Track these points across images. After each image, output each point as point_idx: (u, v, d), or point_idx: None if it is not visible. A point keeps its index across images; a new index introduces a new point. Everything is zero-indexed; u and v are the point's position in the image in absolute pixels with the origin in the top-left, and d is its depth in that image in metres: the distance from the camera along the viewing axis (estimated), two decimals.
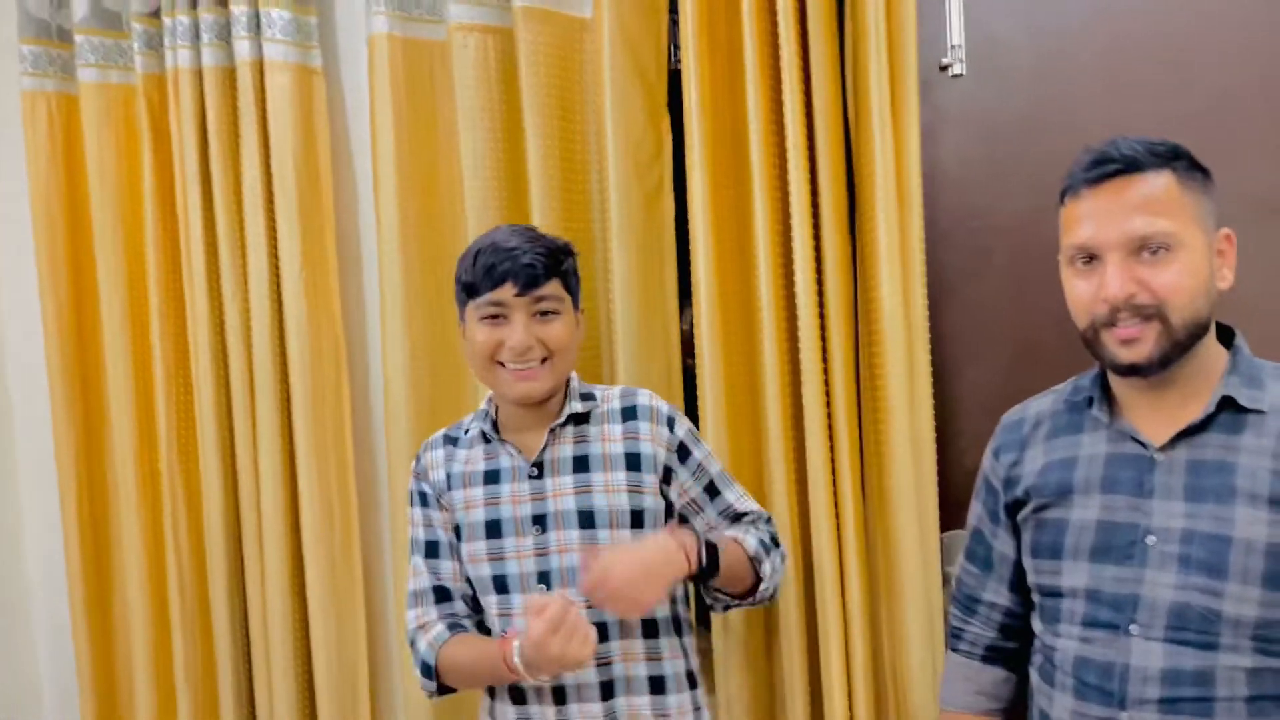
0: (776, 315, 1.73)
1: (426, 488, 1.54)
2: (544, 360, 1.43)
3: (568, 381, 1.53)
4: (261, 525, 2.04)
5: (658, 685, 1.47)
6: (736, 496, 1.57)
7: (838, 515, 1.72)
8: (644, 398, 1.54)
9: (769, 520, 1.60)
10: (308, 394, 2.00)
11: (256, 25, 1.99)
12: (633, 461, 1.49)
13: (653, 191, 1.85)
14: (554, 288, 1.44)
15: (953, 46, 1.77)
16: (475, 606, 1.53)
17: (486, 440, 1.52)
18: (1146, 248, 1.15)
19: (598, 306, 1.90)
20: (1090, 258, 1.19)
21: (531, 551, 1.46)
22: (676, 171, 1.84)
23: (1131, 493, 1.21)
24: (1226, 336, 1.24)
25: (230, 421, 2.09)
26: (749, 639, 1.83)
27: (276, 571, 2.03)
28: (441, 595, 1.52)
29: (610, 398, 1.54)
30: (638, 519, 1.48)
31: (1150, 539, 1.19)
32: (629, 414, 1.52)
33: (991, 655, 1.41)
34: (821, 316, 1.72)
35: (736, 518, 1.56)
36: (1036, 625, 1.31)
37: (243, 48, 2.00)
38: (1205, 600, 1.14)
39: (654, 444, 1.50)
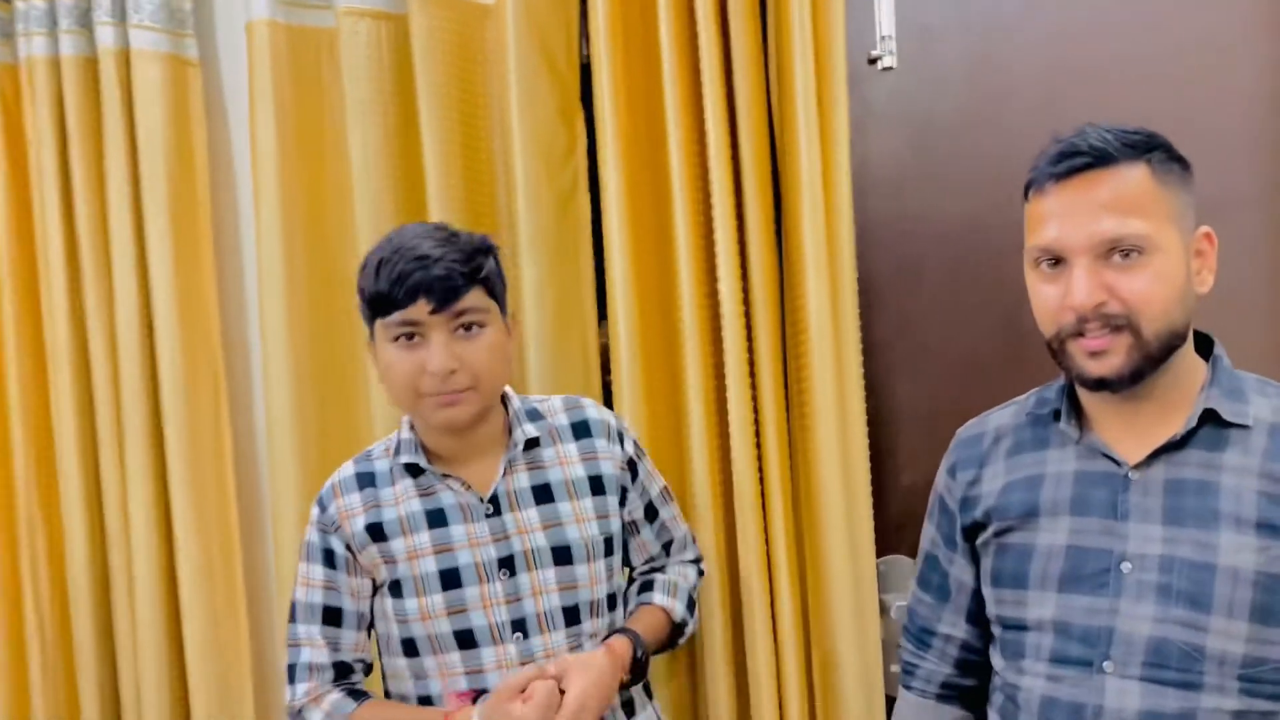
0: (699, 327, 1.61)
1: (335, 543, 1.30)
2: (468, 389, 1.23)
3: (505, 399, 1.36)
4: (132, 578, 1.82)
5: None
6: (671, 516, 1.47)
7: (767, 540, 1.61)
8: (592, 410, 1.40)
9: (693, 542, 1.51)
10: (183, 430, 1.79)
11: (122, 10, 1.80)
12: (596, 485, 1.35)
13: (566, 193, 1.70)
14: (476, 297, 1.23)
15: (883, 38, 1.66)
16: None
17: (415, 474, 1.31)
18: (1117, 250, 1.04)
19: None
20: (1056, 260, 1.08)
21: (502, 599, 1.28)
22: (594, 172, 1.69)
23: (1104, 515, 1.10)
24: (1204, 345, 1.14)
25: (96, 464, 1.86)
26: (673, 670, 1.71)
27: (150, 629, 1.81)
28: (341, 671, 1.32)
29: (554, 411, 1.38)
30: (609, 547, 1.35)
31: (1125, 566, 1.08)
32: (581, 430, 1.37)
33: (947, 693, 1.29)
34: (748, 328, 1.60)
35: (666, 545, 1.46)
36: (997, 661, 1.19)
37: (106, 35, 1.80)
38: (1187, 635, 1.04)
39: (612, 463, 1.37)
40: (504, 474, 1.31)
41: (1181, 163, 1.07)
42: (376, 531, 1.29)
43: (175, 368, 1.78)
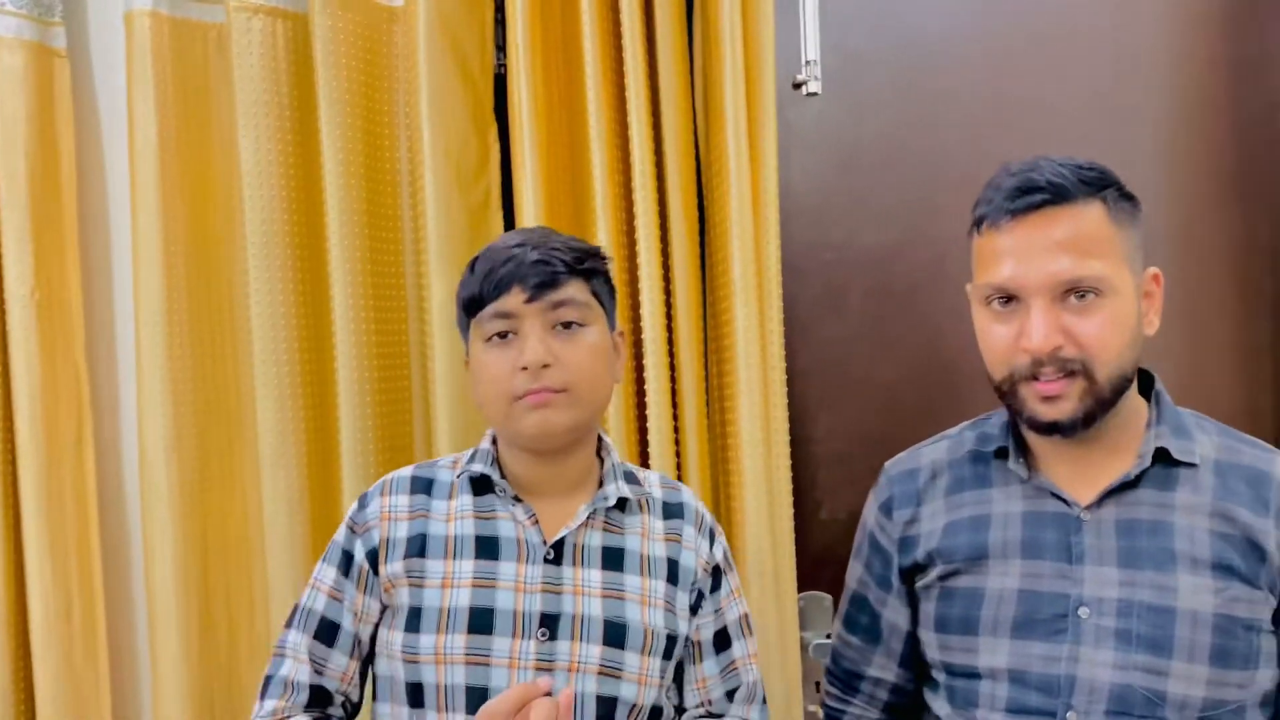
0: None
1: (359, 548, 1.14)
2: (562, 390, 1.08)
3: (603, 450, 1.20)
4: None
5: None
6: (744, 655, 1.21)
7: None
8: (688, 496, 1.22)
9: (764, 703, 1.23)
10: (40, 469, 1.57)
11: None
12: (673, 571, 1.15)
13: (478, 207, 1.60)
14: (577, 289, 1.10)
15: (808, 62, 1.62)
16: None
17: (480, 490, 1.15)
18: (1074, 292, 1.01)
19: (409, 342, 1.63)
20: (1009, 299, 1.04)
21: (532, 662, 1.07)
22: (508, 188, 1.60)
23: (1057, 558, 1.07)
24: (1144, 382, 1.13)
25: None
26: None
27: None
28: (319, 697, 1.13)
29: (650, 483, 1.21)
30: (669, 648, 1.13)
31: (1083, 611, 1.04)
32: (673, 511, 1.19)
33: None
34: (671, 355, 1.53)
35: (730, 694, 1.19)
36: (941, 708, 1.14)
37: None
38: (1149, 681, 1.01)
39: (695, 557, 1.17)
40: (581, 523, 1.13)
41: (1132, 201, 1.06)
42: (416, 544, 1.12)
43: (32, 388, 1.58)
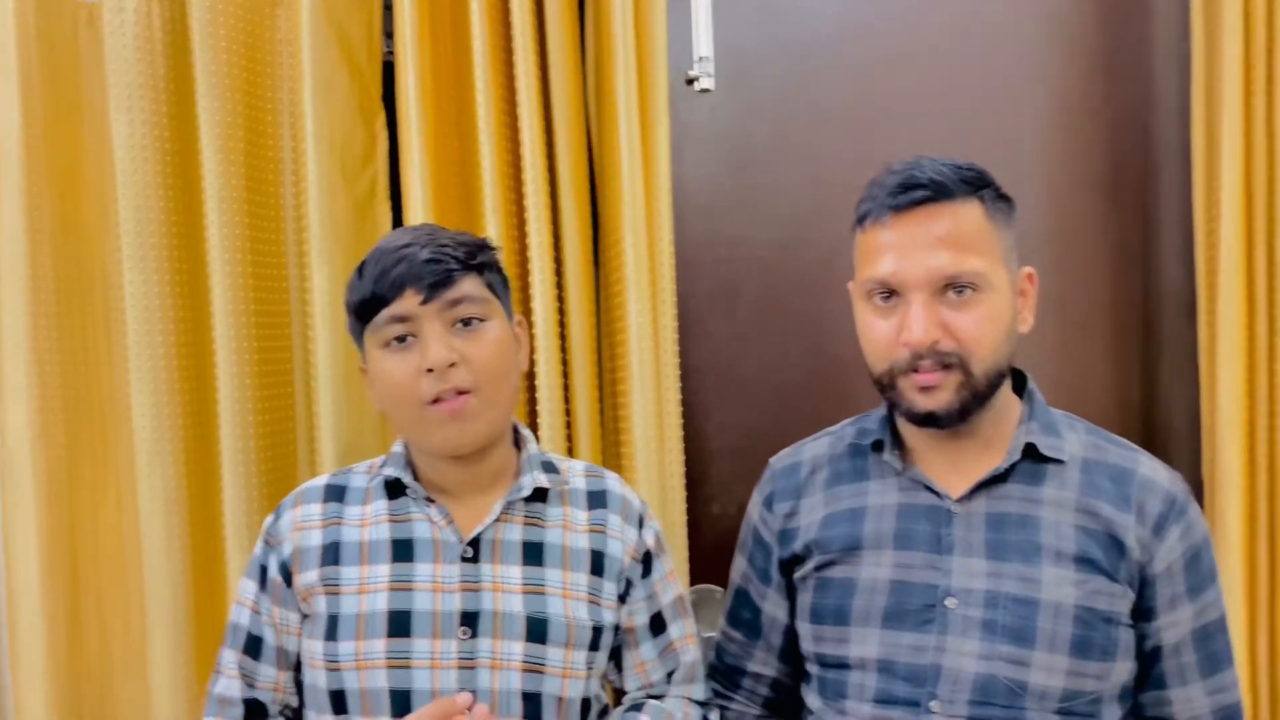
0: None
1: (272, 561, 1.13)
2: (470, 392, 1.06)
3: (518, 439, 1.19)
4: None
5: None
6: (682, 635, 1.22)
7: None
8: (614, 483, 1.21)
9: (705, 679, 1.25)
10: None
11: None
12: (597, 563, 1.14)
13: (363, 199, 1.56)
14: (472, 286, 1.09)
15: (700, 58, 1.63)
16: None
17: (394, 494, 1.13)
18: (953, 287, 1.03)
19: (292, 346, 1.58)
20: (890, 294, 1.06)
21: (455, 661, 1.07)
22: (396, 179, 1.56)
23: (928, 549, 1.09)
24: (1017, 380, 1.16)
25: None
26: None
27: None
28: (254, 710, 1.14)
29: (572, 472, 1.20)
30: (595, 639, 1.13)
31: (950, 601, 1.07)
32: (596, 500, 1.18)
33: None
34: (563, 352, 1.52)
35: (670, 675, 1.21)
36: (813, 701, 1.15)
37: None
38: (1011, 671, 1.04)
39: (622, 546, 1.16)
40: (496, 518, 1.12)
41: (1008, 202, 1.09)
42: (329, 553, 1.11)
43: None
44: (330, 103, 1.51)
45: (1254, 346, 1.59)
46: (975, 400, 1.05)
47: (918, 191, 1.03)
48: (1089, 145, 1.69)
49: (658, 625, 1.20)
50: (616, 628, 1.17)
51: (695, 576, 1.63)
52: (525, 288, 1.52)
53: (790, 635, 1.21)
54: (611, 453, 1.57)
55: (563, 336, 1.53)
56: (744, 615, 1.25)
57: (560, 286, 1.53)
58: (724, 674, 1.28)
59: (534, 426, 1.53)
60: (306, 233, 1.51)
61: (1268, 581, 1.61)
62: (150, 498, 1.46)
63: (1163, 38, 1.68)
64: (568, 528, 1.15)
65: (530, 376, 1.53)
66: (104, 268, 1.53)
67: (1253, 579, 1.61)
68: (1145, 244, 1.70)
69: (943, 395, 1.04)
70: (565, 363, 1.53)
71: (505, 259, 1.49)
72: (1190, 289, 1.65)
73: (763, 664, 1.23)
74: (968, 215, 1.04)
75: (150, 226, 1.47)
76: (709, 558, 1.67)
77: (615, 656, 1.20)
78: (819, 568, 1.15)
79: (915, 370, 1.04)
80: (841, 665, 1.11)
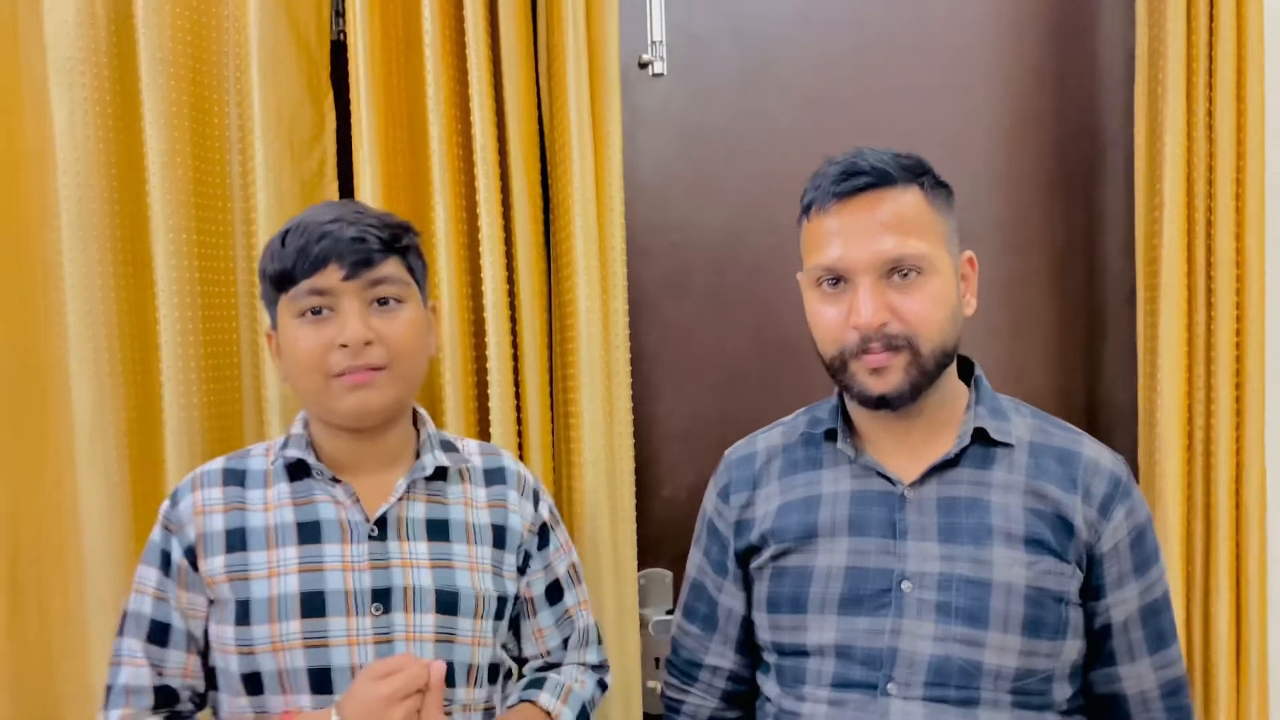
0: (460, 331, 1.51)
1: (175, 546, 1.12)
2: (382, 368, 1.09)
3: (417, 421, 1.21)
4: None
5: None
6: (577, 602, 1.28)
7: None
8: (509, 461, 1.26)
9: (599, 644, 1.31)
10: None
11: None
12: (499, 536, 1.19)
13: (311, 179, 1.54)
14: (394, 268, 1.11)
15: (654, 42, 1.63)
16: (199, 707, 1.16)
17: (296, 475, 1.14)
18: (898, 270, 1.05)
19: (239, 325, 1.56)
20: (837, 280, 1.07)
21: (370, 637, 1.09)
22: (343, 159, 1.55)
23: (883, 534, 1.11)
24: (963, 367, 1.18)
25: None
26: None
27: None
28: (165, 697, 1.12)
29: (469, 451, 1.24)
30: (500, 608, 1.17)
31: (905, 585, 1.08)
32: (494, 477, 1.22)
33: None
34: (513, 334, 1.52)
35: (567, 640, 1.27)
36: (770, 689, 1.17)
37: None
38: (966, 652, 1.06)
39: (520, 520, 1.22)
40: (400, 497, 1.14)
41: (947, 188, 1.11)
42: (234, 539, 1.12)
43: None
44: (278, 81, 1.49)
45: (1193, 336, 1.62)
46: (925, 379, 1.07)
47: (860, 178, 1.05)
48: (1037, 140, 1.72)
49: (554, 594, 1.26)
50: (516, 597, 1.22)
51: (644, 560, 1.64)
52: (475, 270, 1.51)
53: (747, 627, 1.22)
54: (562, 436, 1.58)
55: (513, 320, 1.53)
56: (700, 609, 1.26)
57: (511, 270, 1.52)
58: (680, 668, 1.28)
59: (484, 410, 1.52)
60: (254, 212, 1.49)
61: (1203, 566, 1.65)
62: (91, 479, 1.44)
63: (1109, 37, 1.71)
64: (469, 504, 1.19)
65: (480, 360, 1.52)
66: (44, 248, 1.50)
67: (1189, 563, 1.65)
68: (1089, 236, 1.73)
69: (892, 377, 1.06)
70: (516, 346, 1.53)
71: (455, 241, 1.49)
72: (1131, 280, 1.68)
73: (720, 656, 1.24)
74: (909, 200, 1.06)
75: (92, 205, 1.44)
76: (658, 541, 1.68)
77: (514, 626, 1.25)
78: (775, 557, 1.16)
79: (865, 353, 1.06)
80: (799, 653, 1.13)
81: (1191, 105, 1.60)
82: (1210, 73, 1.59)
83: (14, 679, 1.49)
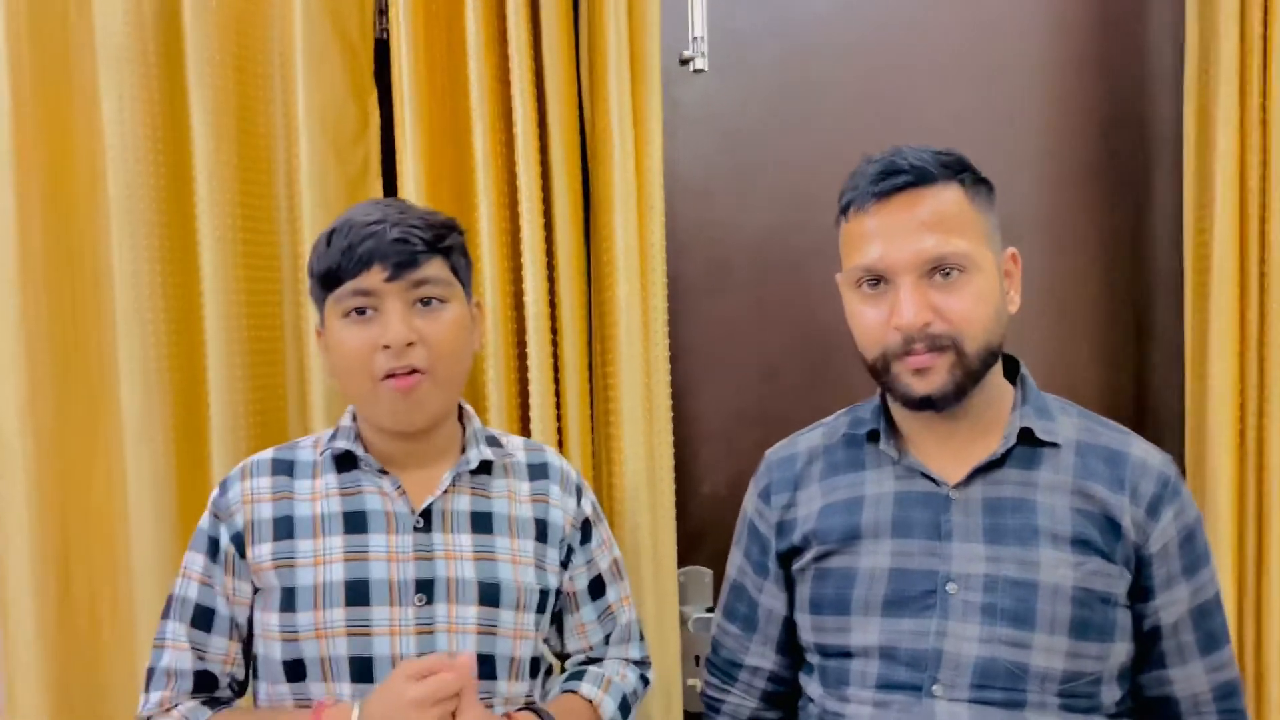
0: (502, 329, 1.51)
1: (224, 533, 1.14)
2: (424, 371, 1.10)
3: (464, 417, 1.23)
4: None
5: None
6: (619, 598, 1.29)
7: None
8: (552, 456, 1.27)
9: (640, 640, 1.32)
10: None
11: None
12: (541, 530, 1.20)
13: (355, 177, 1.56)
14: (437, 268, 1.12)
15: (695, 38, 1.62)
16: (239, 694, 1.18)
17: (344, 467, 1.16)
18: (939, 270, 1.04)
19: (283, 323, 1.58)
20: (878, 280, 1.06)
21: (413, 628, 1.10)
22: (387, 157, 1.56)
23: (927, 536, 1.09)
24: (1008, 366, 1.16)
25: None
26: None
27: None
28: (204, 682, 1.14)
29: (513, 447, 1.25)
30: (542, 601, 1.18)
31: (951, 587, 1.07)
32: (538, 472, 1.24)
33: None
34: (553, 331, 1.52)
35: (606, 637, 1.28)
36: (814, 690, 1.16)
37: None
38: (1012, 654, 1.04)
39: (563, 515, 1.22)
40: (445, 490, 1.16)
41: (987, 185, 1.10)
42: (282, 527, 1.13)
43: None
44: (323, 79, 1.50)
45: (1245, 333, 1.59)
46: (970, 379, 1.06)
47: (899, 177, 1.04)
48: (1084, 132, 1.69)
49: (597, 589, 1.26)
50: (558, 592, 1.23)
51: (684, 557, 1.64)
52: (516, 268, 1.52)
53: (788, 627, 1.21)
54: (601, 434, 1.58)
55: (553, 317, 1.53)
56: (740, 609, 1.25)
57: (551, 267, 1.53)
58: (720, 668, 1.28)
59: (524, 407, 1.53)
60: (299, 210, 1.51)
61: (1255, 569, 1.62)
62: (139, 476, 1.46)
63: (1158, 25, 1.68)
64: (512, 498, 1.20)
65: (521, 357, 1.53)
66: (94, 246, 1.53)
67: (1240, 565, 1.61)
68: (1136, 231, 1.70)
69: (937, 378, 1.05)
70: (555, 343, 1.53)
71: (498, 239, 1.50)
72: (1179, 276, 1.65)
73: (760, 657, 1.24)
74: (949, 198, 1.05)
75: (140, 204, 1.46)
76: (698, 538, 1.68)
77: (556, 621, 1.26)
78: (818, 558, 1.15)
79: (909, 354, 1.05)
80: (843, 654, 1.12)
81: (1244, 95, 1.56)
82: (1265, 62, 1.56)
83: (66, 679, 1.51)
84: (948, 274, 1.04)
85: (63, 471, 1.51)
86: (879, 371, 1.09)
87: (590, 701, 1.21)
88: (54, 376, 1.50)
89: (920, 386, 1.06)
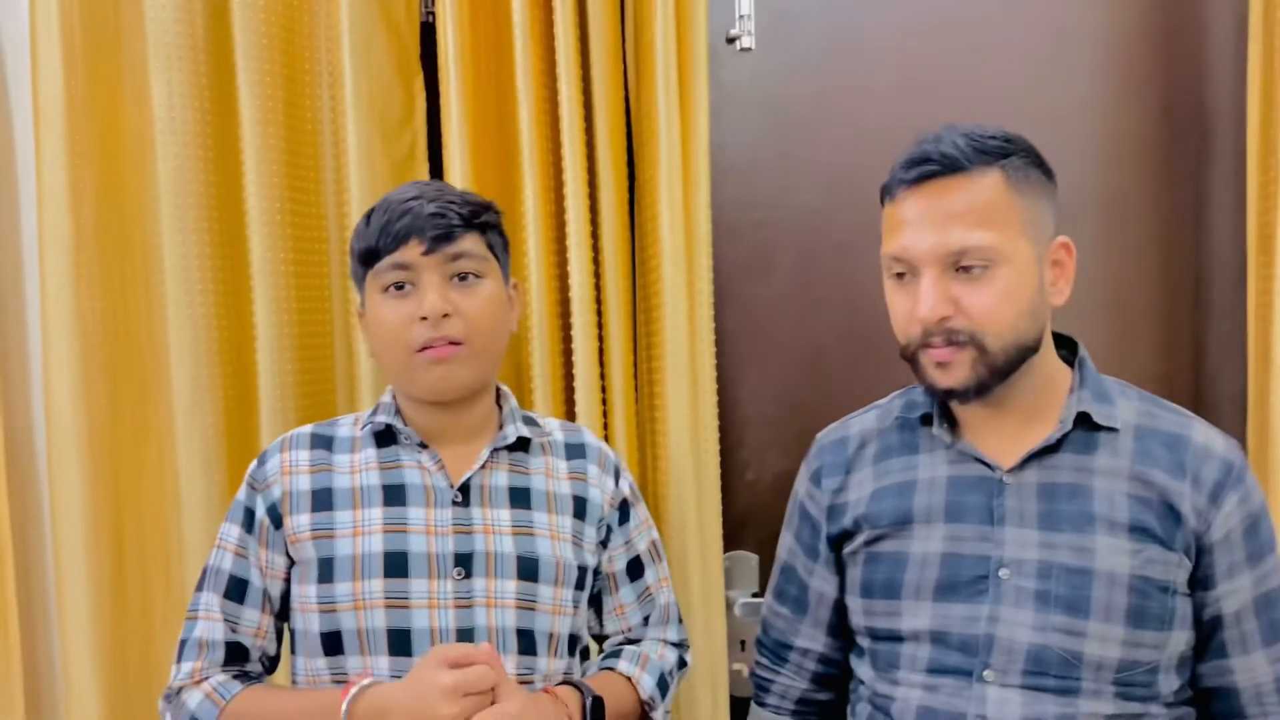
0: (548, 312, 1.51)
1: (260, 504, 1.16)
2: (461, 343, 1.11)
3: (501, 398, 1.24)
4: None
5: None
6: (657, 579, 1.29)
7: None
8: (589, 437, 1.28)
9: (679, 622, 1.32)
10: None
11: None
12: (579, 507, 1.21)
13: (402, 161, 1.56)
14: (473, 243, 1.14)
15: (741, 17, 1.60)
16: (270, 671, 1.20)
17: (384, 442, 1.17)
18: (965, 263, 1.01)
19: (331, 305, 1.59)
20: (906, 269, 1.05)
21: (451, 601, 1.11)
22: (433, 140, 1.56)
23: (980, 520, 1.08)
24: (1069, 349, 1.14)
25: None
26: None
27: None
28: (235, 654, 1.15)
29: (551, 427, 1.27)
30: (580, 578, 1.19)
31: (1003, 572, 1.05)
32: (575, 451, 1.25)
33: (804, 709, 1.25)
34: (599, 314, 1.52)
35: (645, 619, 1.28)
36: (865, 672, 1.15)
37: None
38: (1066, 641, 1.03)
39: (601, 494, 1.23)
40: (483, 465, 1.17)
41: (1042, 169, 1.06)
42: (321, 498, 1.14)
43: None
44: (369, 64, 1.51)
45: None
46: (994, 376, 1.04)
47: (927, 166, 1.02)
48: (1141, 112, 1.64)
49: (635, 570, 1.26)
50: (596, 571, 1.23)
51: (729, 542, 1.63)
52: (561, 250, 1.51)
53: (838, 610, 1.20)
54: (646, 417, 1.57)
55: (598, 300, 1.52)
56: (790, 591, 1.25)
57: (596, 249, 1.52)
58: (770, 649, 1.28)
59: (569, 390, 1.53)
60: (346, 194, 1.52)
61: None
62: (189, 459, 1.48)
63: (1219, 3, 1.63)
64: (550, 475, 1.21)
65: (566, 340, 1.53)
66: (144, 230, 1.55)
67: None
68: (1196, 215, 1.66)
69: (958, 372, 1.03)
70: (600, 326, 1.53)
71: (543, 222, 1.49)
72: (1240, 261, 1.60)
73: (810, 639, 1.23)
74: (983, 186, 1.01)
75: (189, 188, 1.48)
76: (743, 523, 1.67)
77: (595, 603, 1.26)
78: (869, 542, 1.14)
79: (929, 346, 1.03)
80: (894, 638, 1.11)
81: None
82: None
83: (120, 658, 1.54)
84: (971, 269, 1.01)
85: (115, 455, 1.53)
86: (909, 360, 1.08)
87: (629, 678, 1.21)
88: (106, 361, 1.52)
89: (942, 379, 1.04)
